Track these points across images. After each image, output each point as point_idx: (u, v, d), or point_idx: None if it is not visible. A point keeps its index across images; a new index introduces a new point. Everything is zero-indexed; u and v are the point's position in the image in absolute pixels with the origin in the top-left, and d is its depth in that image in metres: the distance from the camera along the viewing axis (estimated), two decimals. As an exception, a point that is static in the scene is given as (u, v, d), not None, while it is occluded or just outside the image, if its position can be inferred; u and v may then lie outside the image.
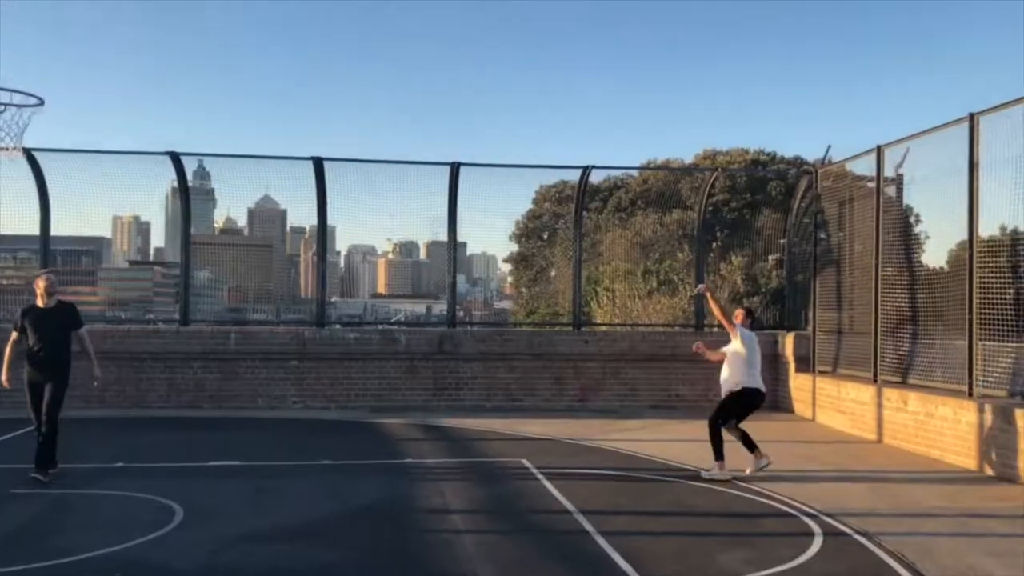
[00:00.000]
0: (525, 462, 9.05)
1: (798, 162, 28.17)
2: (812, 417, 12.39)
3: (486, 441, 10.59)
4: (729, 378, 8.64)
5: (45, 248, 13.57)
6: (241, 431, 11.21)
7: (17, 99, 7.44)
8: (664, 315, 17.94)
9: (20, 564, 5.50)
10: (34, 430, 7.96)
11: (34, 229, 13.65)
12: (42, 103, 7.47)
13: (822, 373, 12.47)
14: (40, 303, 8.09)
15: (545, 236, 30.15)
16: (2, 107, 7.40)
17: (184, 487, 7.69)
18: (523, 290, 29.80)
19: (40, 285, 8.09)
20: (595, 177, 14.93)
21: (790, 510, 7.09)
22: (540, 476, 8.36)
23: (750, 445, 8.48)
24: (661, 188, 23.33)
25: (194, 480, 8.12)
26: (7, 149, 7.53)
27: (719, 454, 8.34)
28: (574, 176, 14.82)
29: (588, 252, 16.60)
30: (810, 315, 13.38)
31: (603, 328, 16.81)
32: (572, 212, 15.01)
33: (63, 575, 5.37)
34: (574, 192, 15.63)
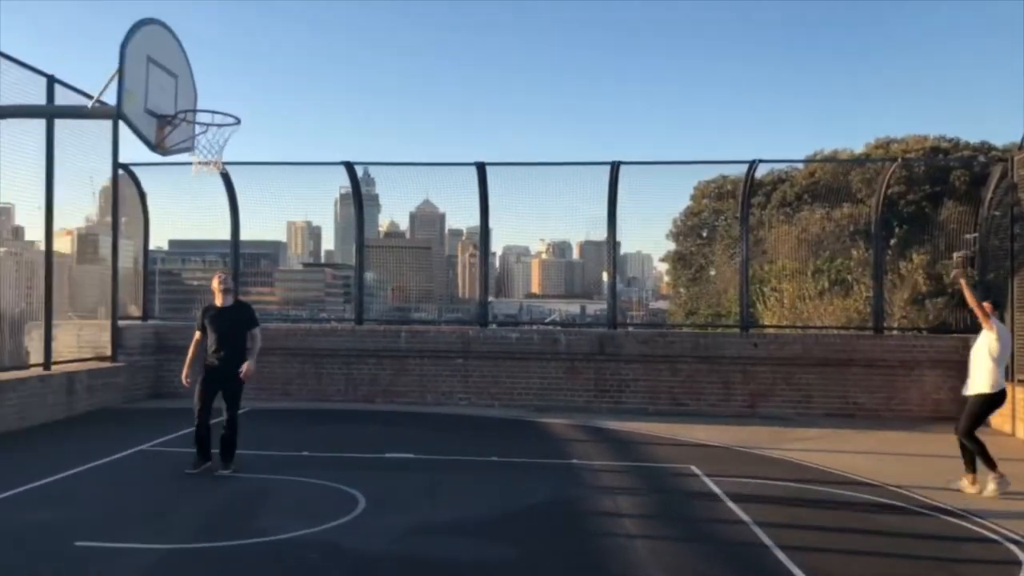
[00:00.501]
0: (694, 468, 8.85)
1: (985, 148, 26.07)
2: (1012, 432, 11.36)
3: (652, 445, 10.45)
4: (979, 379, 7.88)
5: (236, 252, 14.67)
6: (413, 425, 11.63)
7: (218, 119, 8.10)
8: (838, 317, 17.06)
9: (227, 540, 6.02)
10: (195, 426, 8.11)
11: (216, 234, 14.85)
12: (239, 122, 8.08)
13: None
14: (218, 302, 8.24)
15: (704, 234, 29.47)
16: (204, 127, 8.07)
17: (364, 477, 8.05)
18: (681, 290, 29.25)
19: (214, 283, 8.28)
20: (758, 171, 14.42)
21: (993, 536, 6.50)
22: (711, 484, 8.14)
23: (973, 463, 7.85)
24: (829, 181, 22.25)
25: (373, 471, 8.48)
26: (211, 163, 8.21)
27: (991, 462, 7.70)
28: (735, 171, 14.45)
29: (752, 250, 16.05)
30: (1007, 317, 12.30)
31: (772, 330, 16.19)
32: (732, 209, 14.66)
33: (265, 552, 5.76)
34: (735, 188, 15.18)
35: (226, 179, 14.17)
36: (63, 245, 15.31)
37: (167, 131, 7.87)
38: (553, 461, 9.28)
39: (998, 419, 11.70)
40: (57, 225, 11.88)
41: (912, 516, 7.08)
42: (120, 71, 7.11)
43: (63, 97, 11.30)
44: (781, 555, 5.85)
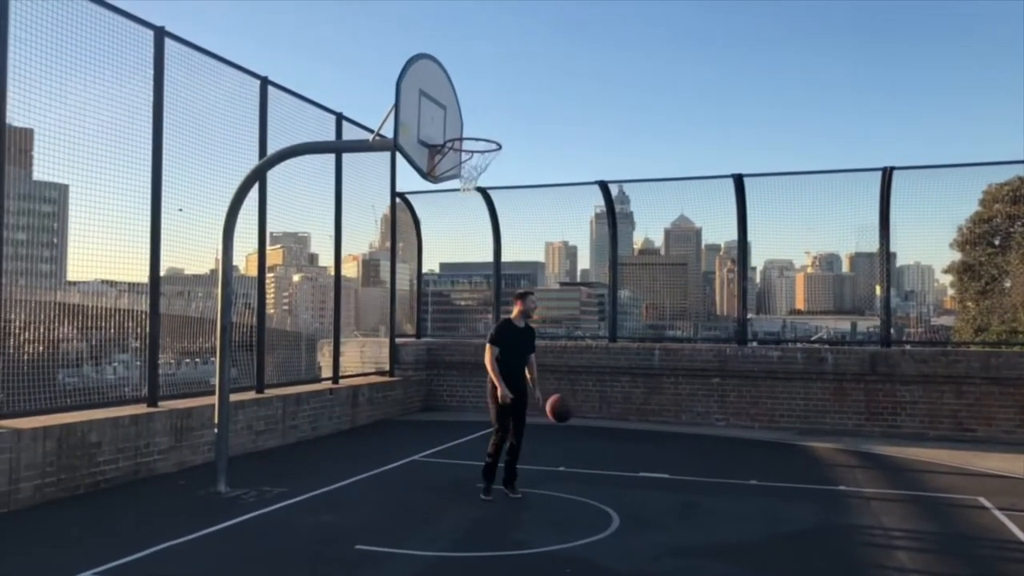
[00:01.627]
0: (983, 501, 7.93)
1: None
2: None
3: (931, 474, 9.49)
4: None
5: (497, 272, 15.48)
6: (667, 445, 11.52)
7: (481, 146, 8.59)
8: None
9: (488, 551, 6.34)
10: (493, 449, 8.06)
11: (481, 257, 15.71)
12: (500, 148, 8.51)
13: None
14: (517, 320, 8.15)
15: (997, 242, 26.62)
16: (469, 155, 8.60)
17: (618, 495, 8.10)
18: (969, 304, 26.48)
19: (524, 304, 8.10)
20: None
21: None
22: (1004, 519, 7.25)
23: None
24: None
25: (627, 489, 8.51)
26: (467, 189, 8.73)
27: None
28: (1034, 171, 12.72)
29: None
30: None
31: (1082, 349, 14.08)
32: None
33: (523, 565, 6.00)
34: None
35: (489, 203, 15.02)
36: (349, 269, 17.04)
37: (437, 160, 8.42)
38: (818, 487, 8.74)
39: None
40: (344, 251, 13.26)
41: None
42: (396, 106, 7.71)
43: (348, 132, 12.68)
44: (1096, 609, 5.08)
